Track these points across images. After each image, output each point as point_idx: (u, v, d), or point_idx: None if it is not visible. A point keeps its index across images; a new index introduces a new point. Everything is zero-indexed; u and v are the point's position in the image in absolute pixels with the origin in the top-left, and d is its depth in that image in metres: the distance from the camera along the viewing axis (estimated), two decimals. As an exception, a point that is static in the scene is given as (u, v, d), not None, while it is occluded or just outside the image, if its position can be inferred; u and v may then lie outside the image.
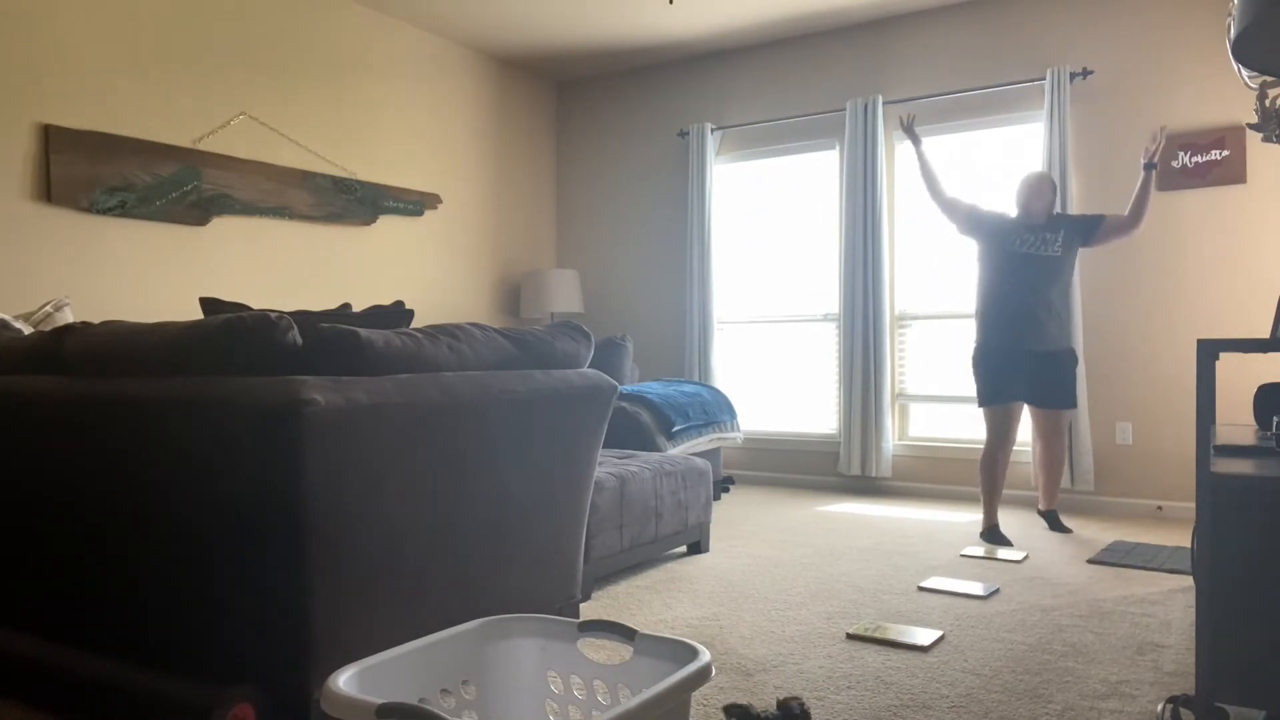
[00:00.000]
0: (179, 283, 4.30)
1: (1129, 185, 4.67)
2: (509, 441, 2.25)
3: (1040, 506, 4.21)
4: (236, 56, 4.54)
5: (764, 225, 5.87)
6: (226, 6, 4.49)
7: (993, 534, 3.94)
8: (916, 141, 4.20)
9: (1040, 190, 3.97)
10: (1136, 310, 4.67)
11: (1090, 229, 3.95)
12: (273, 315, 1.90)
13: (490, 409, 2.17)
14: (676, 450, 4.57)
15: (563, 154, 6.64)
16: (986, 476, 4.02)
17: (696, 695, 2.18)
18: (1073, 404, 3.96)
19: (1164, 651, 2.50)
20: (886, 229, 5.29)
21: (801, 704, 1.69)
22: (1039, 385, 3.92)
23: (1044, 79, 4.81)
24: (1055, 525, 4.16)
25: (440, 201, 5.69)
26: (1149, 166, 3.87)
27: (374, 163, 5.27)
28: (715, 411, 4.99)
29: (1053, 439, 4.02)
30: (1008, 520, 4.45)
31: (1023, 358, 3.89)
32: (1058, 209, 4.22)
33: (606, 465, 3.34)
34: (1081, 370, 4.68)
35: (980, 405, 3.99)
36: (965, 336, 5.17)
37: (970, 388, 5.18)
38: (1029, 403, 3.97)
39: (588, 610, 2.89)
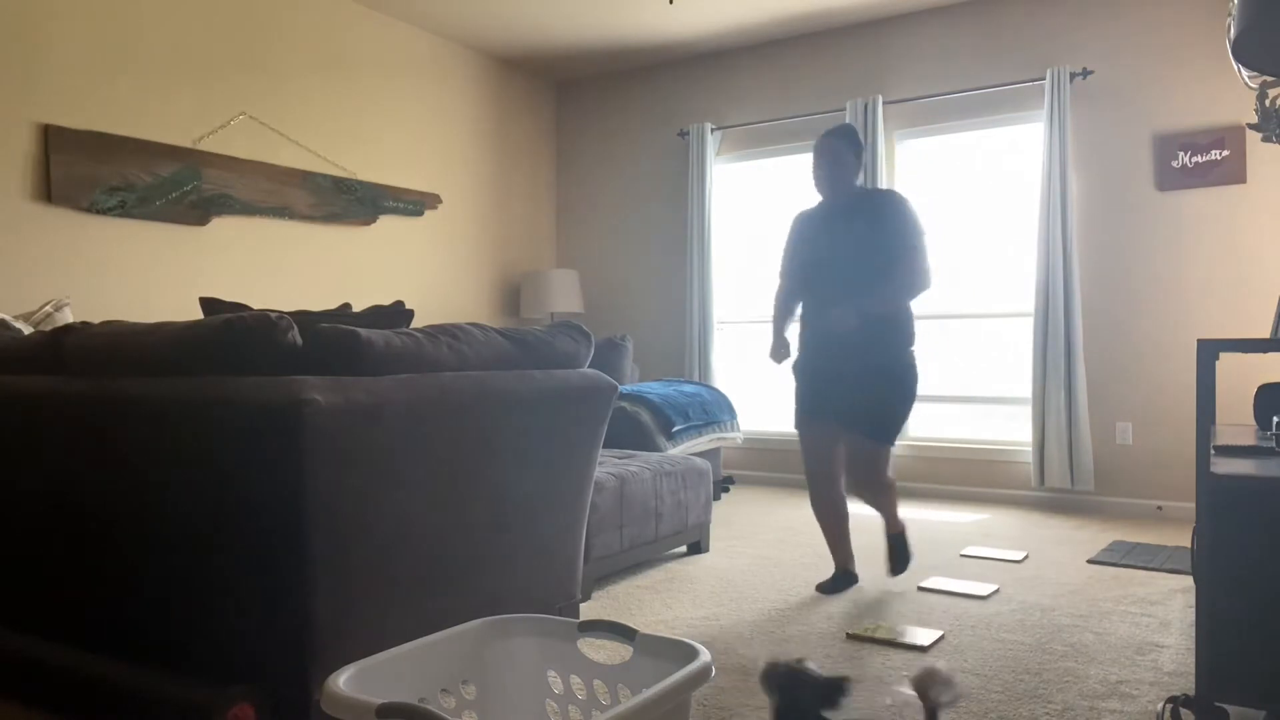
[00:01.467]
0: (179, 283, 4.30)
1: (1129, 185, 4.67)
2: (509, 441, 2.25)
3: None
4: (236, 56, 4.54)
5: (764, 225, 5.87)
6: (226, 6, 4.49)
7: (841, 580, 3.15)
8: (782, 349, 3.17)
9: (823, 156, 3.01)
10: (1136, 310, 4.67)
11: (894, 244, 2.99)
12: (273, 315, 1.90)
13: (490, 409, 2.17)
14: (676, 450, 4.57)
15: (563, 154, 6.64)
16: (818, 515, 3.19)
17: (697, 695, 2.18)
18: (881, 436, 2.98)
19: (1164, 651, 2.50)
20: (886, 229, 5.29)
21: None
22: (846, 407, 3.02)
23: (1044, 79, 4.81)
24: (895, 555, 3.15)
25: (440, 201, 5.69)
26: None
27: (374, 163, 5.26)
28: (715, 411, 4.99)
29: (858, 487, 3.07)
30: (1005, 520, 4.44)
31: (836, 367, 3.04)
32: (873, 183, 3.24)
33: (606, 465, 3.34)
34: (1081, 370, 4.67)
35: (795, 427, 3.18)
36: (965, 337, 5.18)
37: (973, 388, 5.19)
38: (839, 427, 3.08)
39: (588, 610, 2.89)
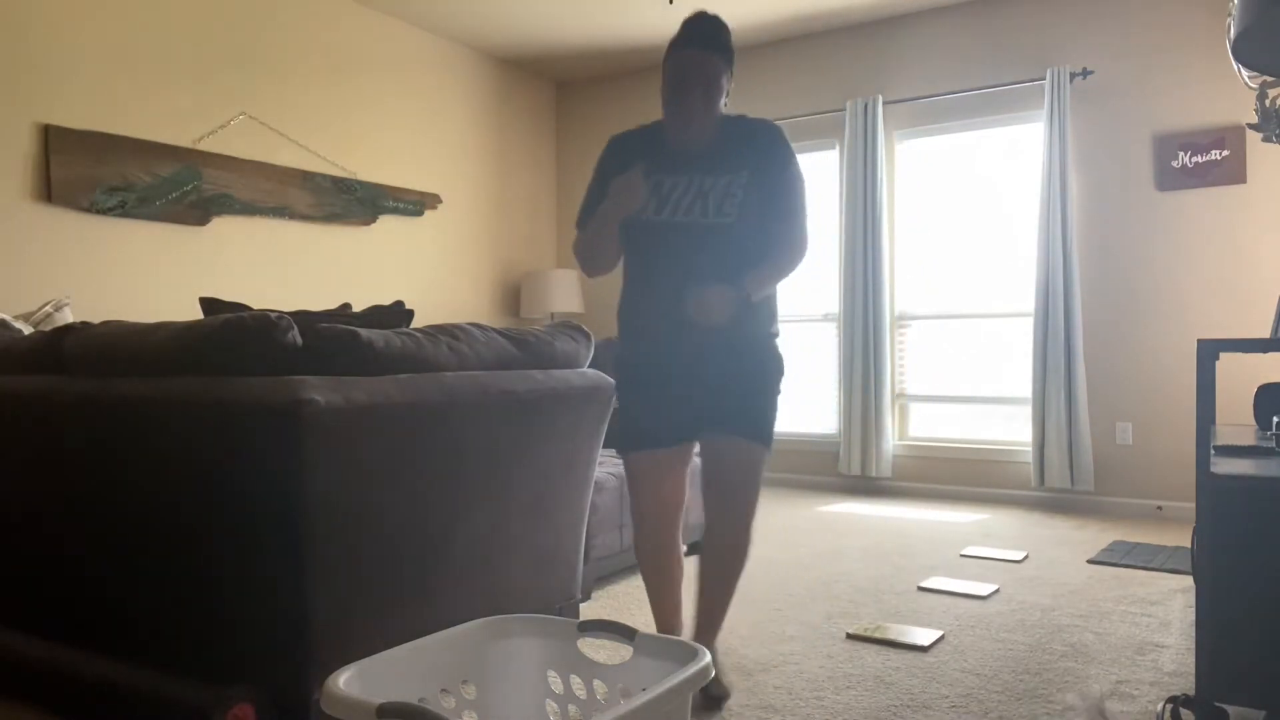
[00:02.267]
0: (179, 283, 4.30)
1: (1129, 185, 4.67)
2: (509, 441, 2.25)
3: (692, 633, 2.29)
4: (236, 56, 4.54)
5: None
6: (226, 6, 4.49)
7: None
8: None
9: (692, 79, 2.05)
10: (1136, 310, 4.66)
11: (778, 202, 2.17)
12: (273, 315, 1.90)
13: (490, 409, 2.17)
14: (676, 450, 4.56)
15: (563, 154, 6.64)
16: (647, 568, 2.27)
17: (697, 695, 2.18)
18: (760, 435, 2.16)
19: (1164, 651, 2.50)
20: (886, 229, 5.29)
21: None
22: (709, 407, 2.18)
23: (1044, 79, 4.81)
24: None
25: (440, 201, 5.69)
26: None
27: (374, 163, 5.26)
28: (715, 411, 4.98)
29: (725, 523, 2.17)
30: (1005, 520, 4.44)
31: (687, 364, 2.17)
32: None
33: (606, 465, 3.34)
34: (1081, 370, 4.67)
35: (619, 452, 2.25)
36: (965, 337, 5.18)
37: (973, 388, 5.18)
38: (698, 434, 2.22)
39: (588, 610, 2.89)
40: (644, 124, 2.23)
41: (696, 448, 2.26)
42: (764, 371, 2.21)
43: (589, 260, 2.19)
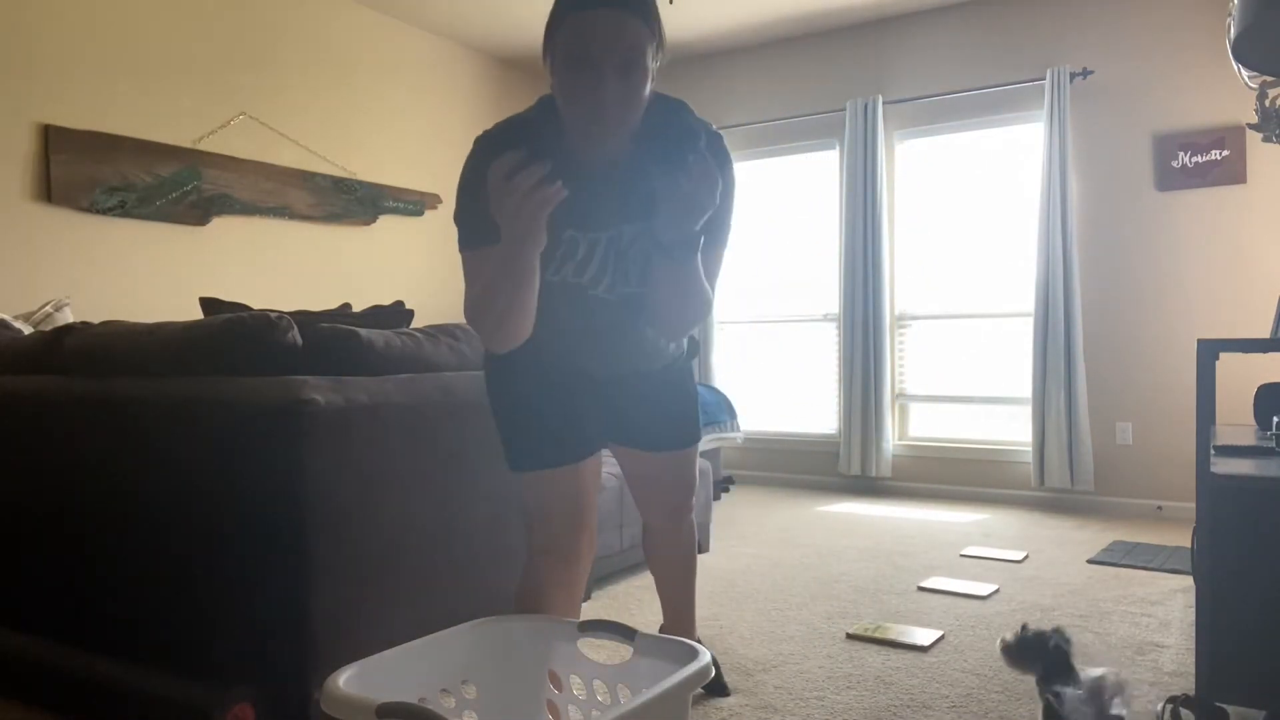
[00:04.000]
0: (179, 283, 4.30)
1: (1129, 185, 4.67)
2: (509, 441, 2.24)
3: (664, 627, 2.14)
4: (236, 56, 4.54)
5: (764, 225, 5.87)
6: (226, 6, 4.49)
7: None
8: None
9: (593, 50, 1.45)
10: (1136, 310, 4.66)
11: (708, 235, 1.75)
12: (273, 315, 1.90)
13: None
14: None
15: (563, 154, 6.63)
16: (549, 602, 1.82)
17: (697, 695, 2.18)
18: (695, 438, 1.96)
19: (1164, 651, 2.50)
20: (886, 229, 5.29)
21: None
22: (623, 416, 1.89)
23: (1044, 79, 4.81)
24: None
25: (440, 201, 5.69)
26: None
27: (374, 163, 5.26)
28: (715, 411, 4.99)
29: (674, 516, 1.99)
30: (1005, 520, 4.44)
31: (583, 381, 1.82)
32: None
33: (607, 465, 3.34)
34: (1081, 370, 4.67)
35: (515, 469, 1.75)
36: (965, 337, 5.18)
37: (973, 388, 5.18)
38: (617, 442, 1.93)
39: (588, 610, 2.89)
40: (521, 115, 1.55)
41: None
42: (676, 385, 1.90)
43: (499, 327, 1.51)
